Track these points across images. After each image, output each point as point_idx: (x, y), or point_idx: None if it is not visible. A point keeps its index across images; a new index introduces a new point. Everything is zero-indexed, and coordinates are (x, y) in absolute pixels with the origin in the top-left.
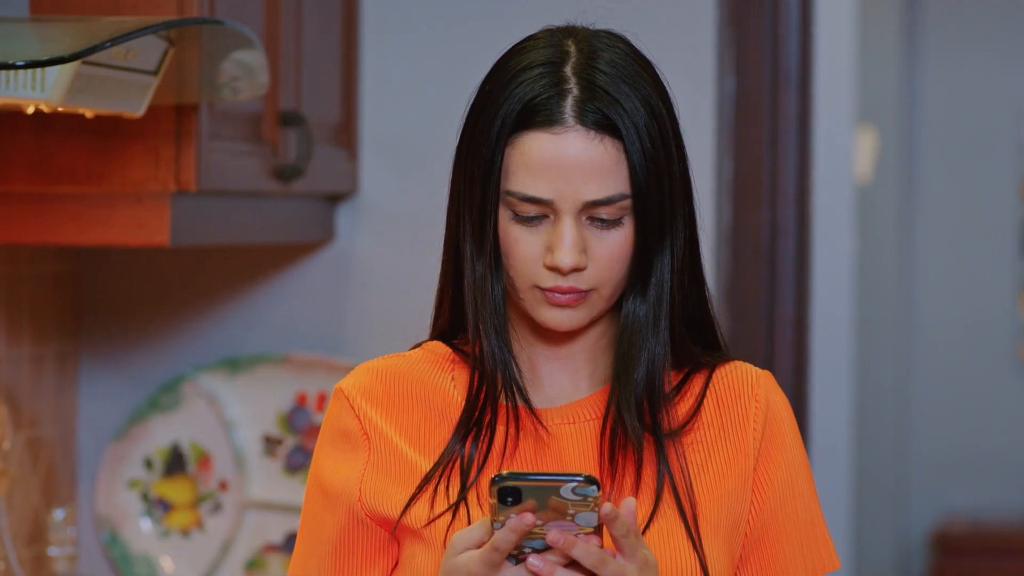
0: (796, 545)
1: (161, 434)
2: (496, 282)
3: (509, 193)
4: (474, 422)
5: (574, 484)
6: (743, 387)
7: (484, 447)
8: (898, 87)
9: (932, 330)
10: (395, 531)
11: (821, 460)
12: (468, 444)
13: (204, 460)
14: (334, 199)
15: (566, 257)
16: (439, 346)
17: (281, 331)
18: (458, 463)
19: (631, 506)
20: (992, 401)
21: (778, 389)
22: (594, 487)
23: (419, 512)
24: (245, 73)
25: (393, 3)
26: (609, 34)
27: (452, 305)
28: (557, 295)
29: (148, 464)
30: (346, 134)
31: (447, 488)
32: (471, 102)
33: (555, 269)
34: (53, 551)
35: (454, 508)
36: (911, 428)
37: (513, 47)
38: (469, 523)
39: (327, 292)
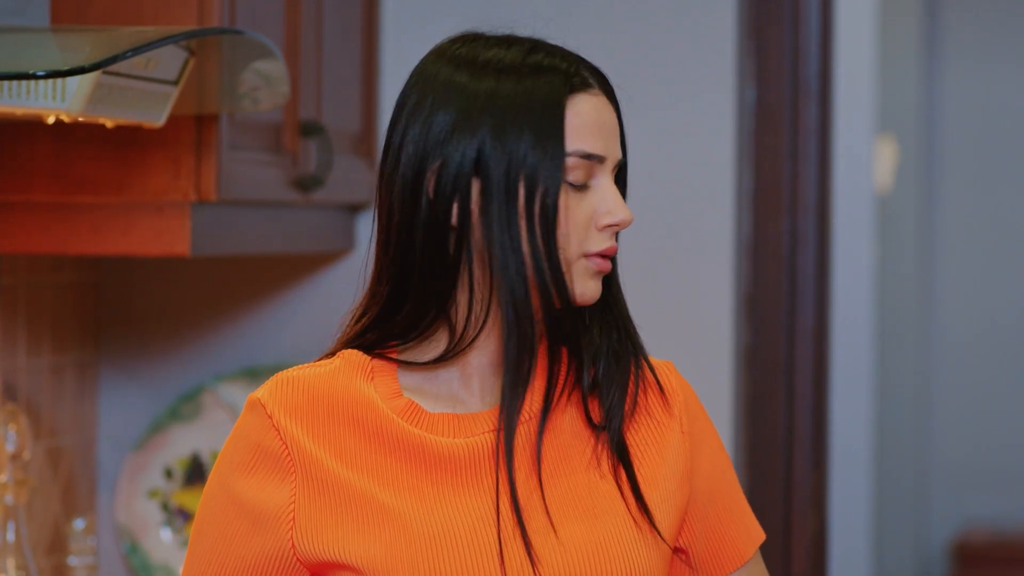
0: (738, 521)
1: (181, 444)
2: (554, 247)
3: (568, 154)
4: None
5: None
6: (660, 379)
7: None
8: (918, 97)
9: (952, 339)
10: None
11: (841, 468)
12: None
13: None
14: (354, 209)
15: (624, 212)
16: (354, 354)
17: (301, 341)
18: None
19: None
20: (1013, 410)
21: (682, 377)
22: None
23: (374, 551)
24: (265, 83)
25: (414, 12)
26: None
27: (395, 301)
28: (603, 260)
29: (168, 474)
30: (366, 144)
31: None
32: (466, 89)
33: (616, 226)
34: (73, 561)
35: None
36: (931, 437)
37: (467, 53)
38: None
39: (347, 302)
